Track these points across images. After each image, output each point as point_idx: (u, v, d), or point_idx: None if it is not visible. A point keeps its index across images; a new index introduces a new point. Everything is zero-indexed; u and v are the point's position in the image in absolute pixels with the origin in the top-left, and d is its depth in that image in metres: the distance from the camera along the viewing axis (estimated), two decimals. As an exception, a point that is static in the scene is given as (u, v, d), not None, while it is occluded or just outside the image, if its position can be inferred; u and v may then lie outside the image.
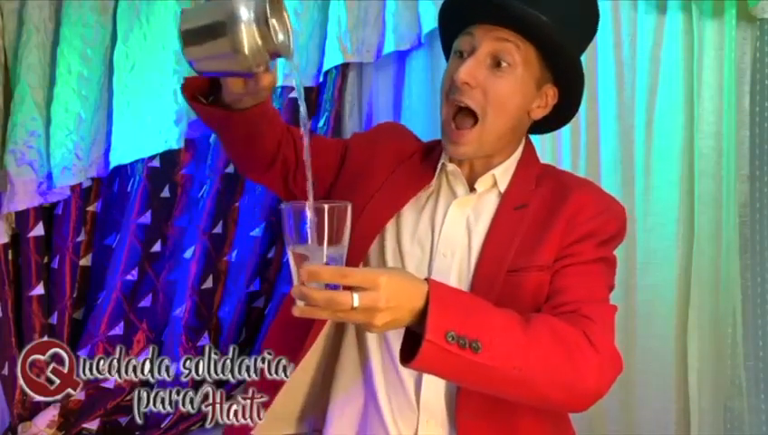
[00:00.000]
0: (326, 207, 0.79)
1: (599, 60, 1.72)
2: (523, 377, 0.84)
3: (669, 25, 1.68)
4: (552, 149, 1.74)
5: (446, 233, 1.03)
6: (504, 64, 0.99)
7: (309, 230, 0.79)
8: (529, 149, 1.12)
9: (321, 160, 1.11)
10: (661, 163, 1.68)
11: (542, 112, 1.08)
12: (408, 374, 1.01)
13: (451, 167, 1.07)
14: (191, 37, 0.80)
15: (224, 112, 0.93)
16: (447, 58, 1.13)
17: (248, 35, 0.77)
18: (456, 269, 1.02)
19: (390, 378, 1.03)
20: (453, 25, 1.06)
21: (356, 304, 0.76)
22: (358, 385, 1.06)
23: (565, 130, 1.74)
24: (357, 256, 1.01)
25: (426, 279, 0.84)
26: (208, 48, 0.79)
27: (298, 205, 0.80)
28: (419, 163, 1.12)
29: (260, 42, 0.78)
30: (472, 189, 1.07)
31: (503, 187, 1.06)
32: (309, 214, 0.79)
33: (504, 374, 0.83)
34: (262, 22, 0.78)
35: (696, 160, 1.65)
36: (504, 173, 1.07)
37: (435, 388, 1.01)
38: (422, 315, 0.80)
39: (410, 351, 0.82)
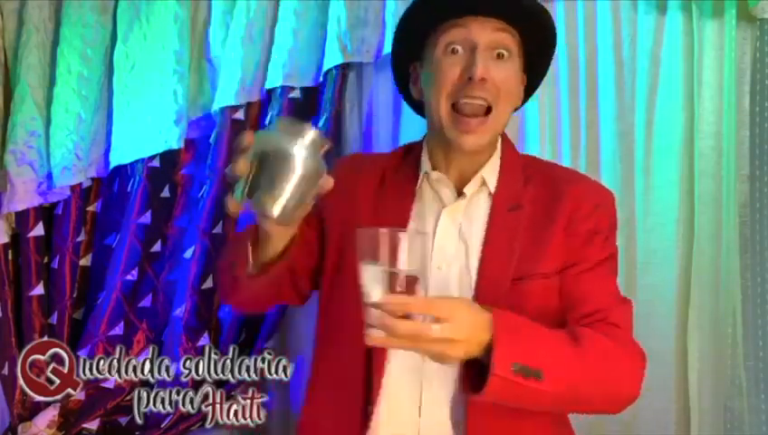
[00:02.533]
0: (405, 234, 0.80)
1: (599, 60, 1.72)
2: (577, 396, 0.89)
3: (669, 25, 1.67)
4: (551, 148, 1.74)
5: (440, 245, 1.01)
6: (505, 54, 0.99)
7: (401, 256, 0.78)
8: (506, 140, 1.10)
9: (311, 260, 1.08)
10: (661, 163, 1.68)
11: (521, 99, 1.08)
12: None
13: (436, 175, 1.04)
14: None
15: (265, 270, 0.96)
16: (405, 48, 1.07)
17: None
18: (455, 281, 1.00)
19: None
20: (435, 16, 1.00)
21: (438, 335, 0.77)
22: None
23: (565, 130, 1.74)
24: None
25: (488, 308, 0.86)
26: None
27: (385, 231, 0.79)
28: (395, 181, 1.07)
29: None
30: (459, 193, 1.04)
31: (492, 186, 1.04)
32: (404, 241, 0.78)
33: (561, 395, 0.88)
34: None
35: (696, 160, 1.65)
36: (491, 172, 1.04)
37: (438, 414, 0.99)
38: (488, 347, 0.82)
39: (473, 380, 0.85)
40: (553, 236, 1.00)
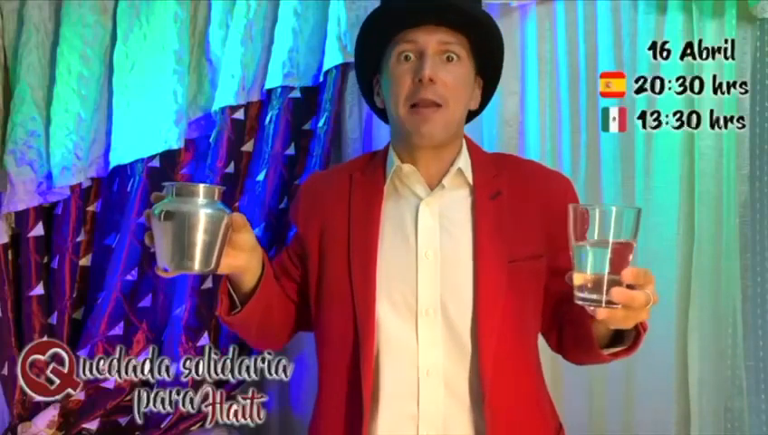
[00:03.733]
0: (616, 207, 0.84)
1: (599, 60, 1.72)
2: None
3: (669, 25, 1.68)
4: (552, 148, 1.74)
5: (424, 235, 1.05)
6: (454, 58, 1.05)
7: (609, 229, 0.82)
8: (470, 141, 1.16)
9: (296, 284, 1.15)
10: (661, 163, 1.68)
11: (474, 104, 1.14)
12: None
13: (407, 168, 1.08)
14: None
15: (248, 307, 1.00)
16: (366, 62, 1.14)
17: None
18: (448, 267, 1.03)
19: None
20: (387, 30, 1.08)
21: (652, 300, 0.84)
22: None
23: (565, 130, 1.74)
24: (370, 300, 1.02)
25: None
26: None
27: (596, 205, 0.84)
28: (363, 181, 1.11)
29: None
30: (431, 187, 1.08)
31: (470, 177, 1.09)
32: (614, 214, 0.83)
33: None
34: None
35: (696, 160, 1.65)
36: (465, 165, 1.10)
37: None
38: None
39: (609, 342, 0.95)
40: (533, 222, 1.07)
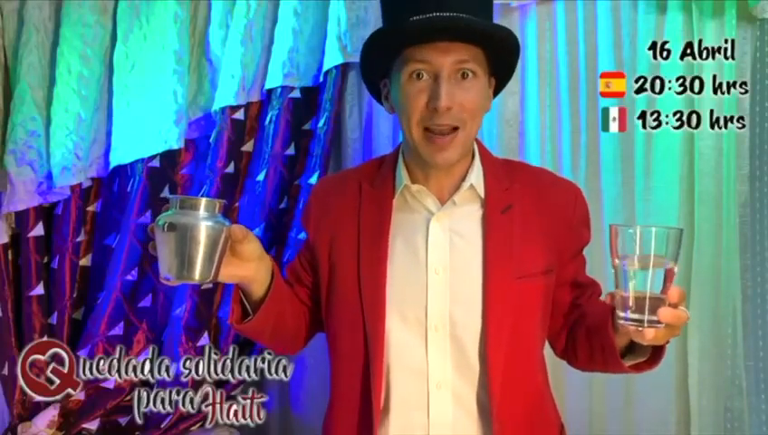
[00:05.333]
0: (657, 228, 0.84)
1: (599, 60, 1.72)
2: None
3: (669, 25, 1.68)
4: (552, 149, 1.74)
5: (434, 251, 1.04)
6: (469, 75, 1.01)
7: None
8: (481, 146, 1.13)
9: (309, 290, 1.14)
10: (661, 163, 1.68)
11: (489, 107, 1.10)
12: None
13: (416, 187, 1.06)
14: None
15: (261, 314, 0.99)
16: (372, 69, 1.10)
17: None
18: (457, 284, 1.02)
19: None
20: (397, 44, 1.02)
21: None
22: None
23: (565, 130, 1.74)
24: (380, 315, 1.01)
25: None
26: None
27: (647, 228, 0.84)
28: (372, 193, 1.10)
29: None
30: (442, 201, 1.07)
31: (481, 191, 1.07)
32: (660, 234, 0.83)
33: None
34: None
35: (696, 160, 1.65)
36: (477, 178, 1.07)
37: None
38: None
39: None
40: (544, 236, 1.05)
